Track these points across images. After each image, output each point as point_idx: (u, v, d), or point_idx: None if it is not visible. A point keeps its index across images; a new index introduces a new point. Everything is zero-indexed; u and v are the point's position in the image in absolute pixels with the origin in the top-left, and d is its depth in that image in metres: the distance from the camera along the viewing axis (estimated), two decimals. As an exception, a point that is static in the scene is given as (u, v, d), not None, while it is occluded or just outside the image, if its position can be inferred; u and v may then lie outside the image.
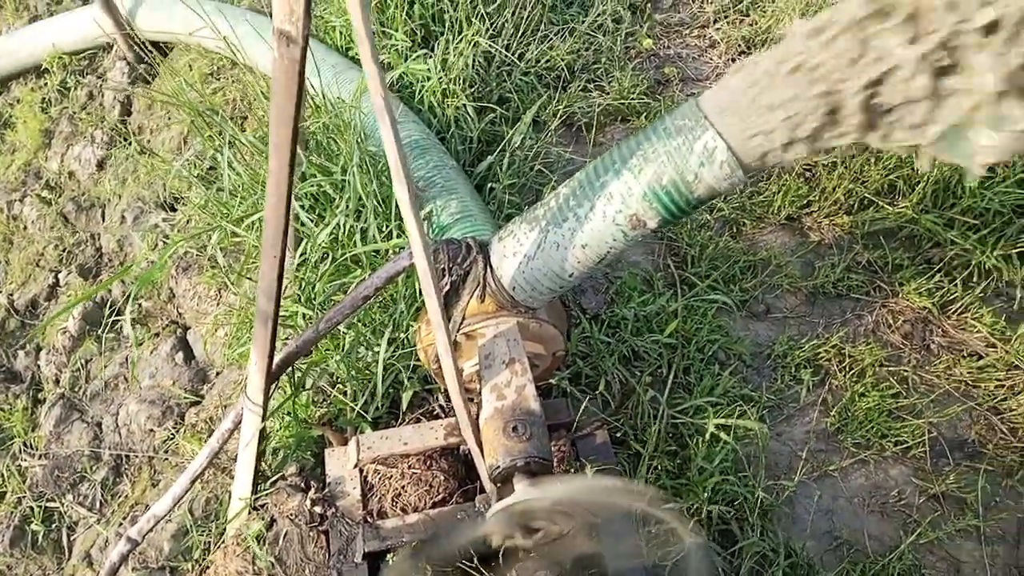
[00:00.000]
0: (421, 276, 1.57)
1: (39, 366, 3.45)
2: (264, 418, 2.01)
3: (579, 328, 2.36)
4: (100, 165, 4.22)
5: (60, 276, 3.74)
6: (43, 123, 4.57)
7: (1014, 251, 2.68)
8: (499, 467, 1.76)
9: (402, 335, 2.16)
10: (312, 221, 2.20)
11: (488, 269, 1.85)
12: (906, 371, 2.50)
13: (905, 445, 2.31)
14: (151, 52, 3.91)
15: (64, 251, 3.84)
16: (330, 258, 2.14)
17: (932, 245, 2.82)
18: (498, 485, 1.80)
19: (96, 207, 4.03)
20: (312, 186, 2.18)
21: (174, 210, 3.59)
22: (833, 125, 1.30)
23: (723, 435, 2.09)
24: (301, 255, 2.25)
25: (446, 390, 1.95)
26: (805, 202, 2.98)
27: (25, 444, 3.17)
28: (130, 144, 4.08)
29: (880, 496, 2.21)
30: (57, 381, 3.33)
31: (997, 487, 2.28)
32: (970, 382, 2.50)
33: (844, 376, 2.49)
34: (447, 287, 1.87)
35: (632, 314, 2.39)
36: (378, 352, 2.06)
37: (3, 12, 5.60)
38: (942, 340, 2.62)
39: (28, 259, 3.90)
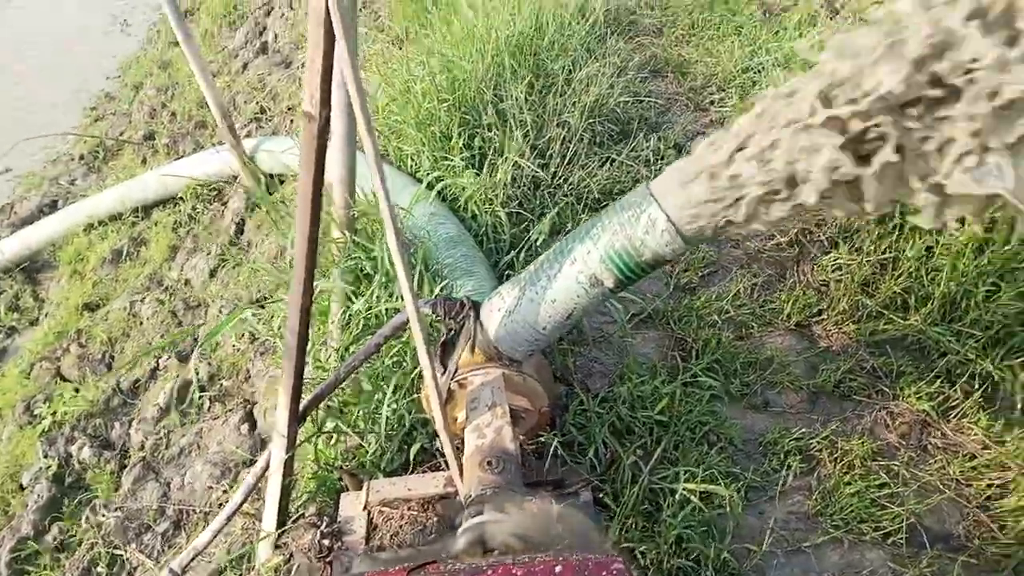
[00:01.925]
0: (410, 314, 1.92)
1: (129, 435, 3.95)
2: (288, 450, 2.35)
3: (576, 402, 2.62)
4: (212, 274, 4.93)
5: (161, 361, 4.32)
6: (171, 240, 5.39)
7: (1016, 361, 2.77)
8: (471, 496, 2.01)
9: (414, 392, 2.50)
10: (352, 294, 2.64)
11: (478, 324, 2.19)
12: (897, 465, 2.58)
13: (885, 531, 2.37)
14: (268, 182, 4.68)
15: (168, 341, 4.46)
16: (362, 323, 2.55)
17: (939, 355, 2.93)
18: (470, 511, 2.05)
19: (202, 306, 4.67)
20: (353, 261, 2.64)
21: (263, 307, 4.14)
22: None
23: (692, 498, 2.25)
24: (342, 322, 2.68)
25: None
26: (816, 311, 3.18)
27: (104, 503, 3.61)
28: (237, 255, 4.77)
29: (851, 574, 2.27)
30: (142, 447, 3.81)
31: (979, 580, 2.29)
32: (962, 480, 2.54)
33: (834, 466, 2.59)
34: (444, 338, 2.22)
35: (627, 391, 2.63)
36: (390, 402, 2.40)
37: (158, 156, 6.73)
38: (939, 441, 2.69)
39: (138, 348, 4.53)
